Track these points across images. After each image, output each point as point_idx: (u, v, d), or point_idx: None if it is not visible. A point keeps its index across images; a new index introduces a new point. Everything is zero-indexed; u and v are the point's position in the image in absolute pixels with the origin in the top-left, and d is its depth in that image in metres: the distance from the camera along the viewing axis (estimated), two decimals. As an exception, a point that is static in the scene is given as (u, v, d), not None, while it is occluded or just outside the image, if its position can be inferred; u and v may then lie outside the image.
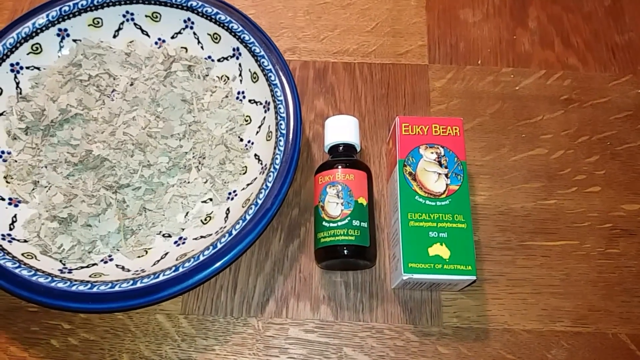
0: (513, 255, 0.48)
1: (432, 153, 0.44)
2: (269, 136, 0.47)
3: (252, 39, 0.49)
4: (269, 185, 0.44)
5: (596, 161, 0.51)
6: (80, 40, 0.51)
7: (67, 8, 0.50)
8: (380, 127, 0.52)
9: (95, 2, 0.51)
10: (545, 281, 0.47)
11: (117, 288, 0.40)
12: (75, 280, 0.41)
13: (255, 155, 0.48)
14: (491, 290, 0.46)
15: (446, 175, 0.44)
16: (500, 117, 0.53)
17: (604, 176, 0.51)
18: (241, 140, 0.50)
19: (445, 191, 0.43)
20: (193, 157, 0.48)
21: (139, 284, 0.40)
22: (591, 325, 0.45)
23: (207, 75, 0.52)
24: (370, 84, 0.54)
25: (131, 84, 0.50)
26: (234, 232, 0.42)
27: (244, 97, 0.51)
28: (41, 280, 0.40)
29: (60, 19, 0.50)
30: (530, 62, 0.55)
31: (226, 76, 0.51)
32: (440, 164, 0.44)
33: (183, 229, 0.46)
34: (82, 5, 0.50)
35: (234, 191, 0.47)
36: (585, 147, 0.52)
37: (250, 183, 0.47)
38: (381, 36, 0.56)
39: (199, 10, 0.50)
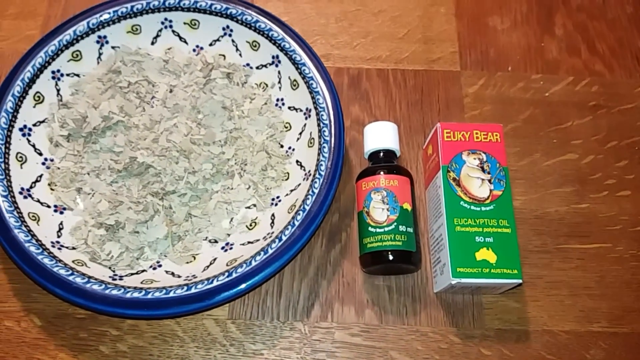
0: (549, 258, 0.49)
1: (474, 159, 0.45)
2: (310, 142, 0.48)
3: (293, 47, 0.50)
4: (316, 191, 0.45)
5: (625, 166, 0.53)
6: (118, 47, 0.52)
7: (107, 16, 0.51)
8: (416, 133, 0.53)
9: (134, 10, 0.51)
10: (581, 283, 0.48)
11: (171, 294, 0.41)
12: (129, 287, 0.41)
13: (297, 161, 0.49)
14: (530, 293, 0.48)
15: (489, 180, 0.45)
16: (532, 123, 0.54)
17: (633, 180, 0.52)
18: (281, 146, 0.50)
19: (489, 196, 0.44)
20: (235, 163, 0.49)
21: (193, 290, 0.41)
22: (627, 326, 0.47)
23: (245, 83, 0.52)
24: (404, 90, 0.55)
25: (170, 91, 0.51)
26: (284, 238, 0.43)
27: (283, 104, 0.51)
28: (95, 287, 0.41)
29: (100, 26, 0.51)
30: (559, 69, 0.57)
31: (265, 83, 0.52)
32: (483, 170, 0.45)
33: (229, 235, 0.47)
34: (122, 12, 0.51)
35: (277, 197, 0.48)
36: (614, 152, 0.53)
37: (294, 189, 0.47)
38: (413, 43, 0.57)
39: (239, 17, 0.51)
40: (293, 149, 0.50)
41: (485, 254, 0.43)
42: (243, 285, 0.41)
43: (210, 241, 0.46)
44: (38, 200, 0.46)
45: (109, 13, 0.51)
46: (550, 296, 0.48)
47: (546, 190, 0.51)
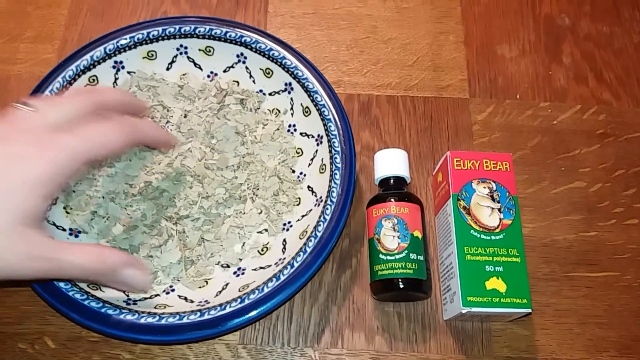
0: (558, 286, 0.49)
1: (484, 188, 0.46)
2: (322, 169, 0.49)
3: (305, 75, 0.51)
4: (327, 217, 0.45)
5: (633, 194, 0.53)
6: (134, 72, 0.53)
7: (124, 41, 0.52)
8: (425, 159, 0.54)
9: (151, 36, 0.52)
10: (589, 312, 0.48)
11: (185, 320, 0.41)
12: (143, 312, 0.42)
13: (309, 187, 0.49)
14: (539, 321, 0.48)
15: (499, 209, 0.45)
16: (540, 151, 0.55)
17: (641, 209, 0.53)
18: (293, 171, 0.51)
19: (499, 225, 0.45)
20: (247, 188, 0.49)
21: (206, 316, 0.41)
22: (636, 355, 0.47)
23: (258, 108, 0.53)
24: (413, 117, 0.56)
25: (185, 116, 0.52)
26: (296, 265, 0.43)
27: (295, 130, 0.52)
28: (110, 312, 0.41)
29: (117, 52, 0.52)
30: (566, 97, 0.58)
31: (277, 109, 0.53)
32: (493, 199, 0.46)
33: (241, 259, 0.47)
34: (138, 38, 0.52)
35: (289, 222, 0.49)
36: (622, 180, 0.54)
37: (306, 214, 0.48)
38: (422, 70, 0.58)
39: (253, 45, 0.52)
40: (304, 175, 0.50)
41: (495, 283, 0.43)
42: (255, 312, 0.41)
43: (222, 266, 0.47)
44: (53, 224, 0.46)
45: (126, 39, 0.52)
46: (559, 324, 0.48)
47: (554, 218, 0.52)
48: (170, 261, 0.45)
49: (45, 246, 0.35)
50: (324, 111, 0.49)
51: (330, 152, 0.48)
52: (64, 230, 0.47)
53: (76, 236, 0.47)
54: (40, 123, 0.37)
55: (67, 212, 0.48)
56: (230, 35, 0.52)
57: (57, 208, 0.47)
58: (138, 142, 0.43)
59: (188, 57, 0.53)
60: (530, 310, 0.43)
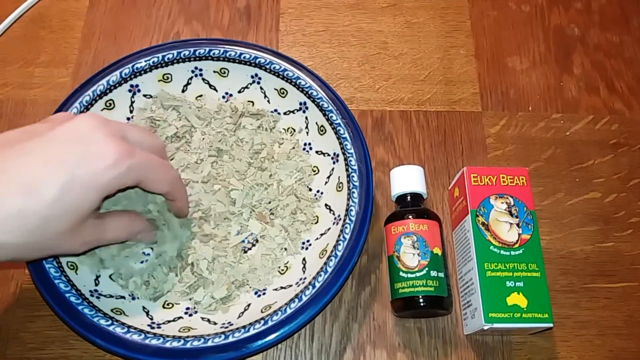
0: (577, 298, 0.49)
1: (502, 203, 0.46)
2: (339, 187, 0.49)
3: (320, 94, 0.51)
4: (347, 236, 0.46)
5: (649, 204, 0.53)
6: (150, 96, 0.53)
7: (139, 65, 0.52)
8: (440, 174, 0.54)
9: (166, 59, 0.53)
10: (609, 323, 0.49)
11: (209, 343, 0.41)
12: (168, 336, 0.42)
13: (326, 205, 0.50)
14: (559, 333, 0.48)
15: (517, 224, 0.46)
16: (554, 162, 0.55)
17: (657, 218, 0.53)
18: (310, 190, 0.51)
19: (517, 241, 0.45)
20: (266, 207, 0.50)
21: (230, 339, 0.42)
22: (657, 366, 0.47)
23: (273, 128, 0.53)
24: (427, 131, 0.56)
25: (203, 139, 0.52)
26: (317, 285, 0.44)
27: (310, 148, 0.52)
28: (135, 337, 0.42)
29: (133, 76, 0.52)
30: (578, 108, 0.58)
31: (292, 128, 0.53)
32: (511, 214, 0.46)
33: (260, 280, 0.47)
34: (153, 62, 0.52)
35: (307, 241, 0.49)
36: (637, 190, 0.54)
37: (324, 233, 0.48)
38: (434, 84, 0.58)
39: (267, 66, 0.52)
40: (322, 193, 0.51)
41: (516, 299, 0.43)
42: (279, 333, 0.42)
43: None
44: None
45: (141, 62, 0.52)
46: (579, 336, 0.48)
47: (571, 229, 0.52)
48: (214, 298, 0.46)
49: (94, 231, 0.41)
50: (339, 130, 0.50)
51: (347, 170, 0.49)
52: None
53: None
54: (120, 134, 0.40)
55: None
56: (244, 57, 0.53)
57: None
58: (171, 198, 0.45)
59: (203, 79, 0.54)
60: (551, 325, 0.43)
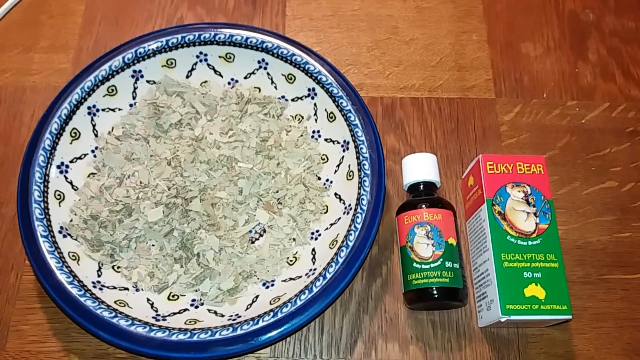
0: (593, 290, 0.48)
1: (519, 192, 0.45)
2: (349, 175, 0.47)
3: (330, 80, 0.49)
4: (358, 226, 0.44)
5: (667, 193, 0.52)
6: (153, 82, 0.52)
7: (142, 50, 0.50)
8: (453, 162, 0.53)
9: (170, 44, 0.51)
10: (627, 314, 0.47)
11: (217, 336, 0.40)
12: (174, 329, 0.41)
13: (336, 194, 0.48)
14: (576, 325, 0.47)
15: (535, 214, 0.44)
16: (569, 151, 0.53)
17: (675, 208, 0.51)
18: (319, 178, 0.50)
19: (535, 230, 0.44)
20: (274, 197, 0.48)
21: (239, 331, 0.40)
22: (677, 359, 0.46)
23: (281, 115, 0.52)
24: (439, 119, 0.54)
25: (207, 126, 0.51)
26: (328, 276, 0.42)
27: (319, 136, 0.51)
28: (140, 329, 0.40)
29: (135, 61, 0.51)
30: (594, 95, 0.56)
31: (300, 115, 0.52)
32: (528, 203, 0.44)
33: (268, 270, 0.46)
34: (157, 47, 0.51)
35: (317, 231, 0.47)
36: (655, 179, 0.52)
37: (334, 223, 0.47)
38: (446, 71, 0.57)
39: (274, 51, 0.51)
40: (331, 182, 0.49)
41: (534, 290, 0.42)
42: (289, 325, 0.40)
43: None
44: (77, 239, 0.45)
45: (144, 47, 0.50)
46: (597, 328, 0.47)
47: (587, 219, 0.51)
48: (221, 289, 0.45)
49: None
50: (349, 116, 0.48)
51: (357, 158, 0.47)
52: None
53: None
54: None
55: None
56: (251, 41, 0.51)
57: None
58: None
59: (208, 65, 0.52)
60: (570, 317, 0.42)
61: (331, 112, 0.50)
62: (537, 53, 0.58)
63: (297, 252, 0.47)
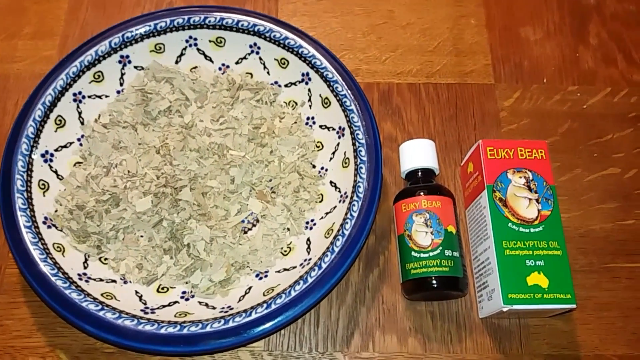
0: (597, 279, 0.47)
1: (520, 177, 0.43)
2: (345, 162, 0.46)
3: (324, 64, 0.48)
4: (354, 214, 0.43)
5: (671, 179, 0.51)
6: (141, 67, 0.50)
7: (129, 34, 0.49)
8: (452, 149, 0.51)
9: (158, 28, 0.49)
10: (631, 304, 0.46)
11: (208, 328, 0.38)
12: (163, 322, 0.39)
13: (331, 182, 0.47)
14: (579, 315, 0.45)
15: (537, 200, 0.43)
16: (570, 137, 0.52)
17: (679, 194, 0.50)
18: (314, 166, 0.48)
19: (537, 217, 0.42)
20: (267, 185, 0.47)
21: (231, 323, 0.39)
22: (683, 349, 0.44)
23: (274, 101, 0.50)
24: (437, 105, 0.53)
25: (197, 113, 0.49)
26: (324, 265, 0.41)
27: (314, 122, 0.49)
28: (127, 322, 0.39)
29: (123, 46, 0.49)
30: (595, 80, 0.55)
31: (294, 101, 0.50)
32: (530, 189, 0.43)
33: (262, 261, 0.44)
34: (145, 31, 0.49)
35: (312, 220, 0.46)
36: (658, 165, 0.51)
37: (330, 212, 0.45)
38: (444, 56, 0.55)
39: (266, 35, 0.49)
40: (326, 169, 0.48)
41: (537, 279, 0.40)
42: (283, 317, 0.39)
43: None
44: (62, 230, 0.44)
45: (132, 32, 0.49)
46: (601, 318, 0.45)
47: (589, 206, 0.49)
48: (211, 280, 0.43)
49: None
50: (345, 102, 0.47)
51: (353, 145, 0.45)
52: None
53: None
54: None
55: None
56: (242, 25, 0.49)
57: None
58: None
59: (198, 49, 0.50)
60: (574, 306, 0.40)
61: (326, 98, 0.48)
62: (537, 37, 0.57)
63: (291, 242, 0.45)
